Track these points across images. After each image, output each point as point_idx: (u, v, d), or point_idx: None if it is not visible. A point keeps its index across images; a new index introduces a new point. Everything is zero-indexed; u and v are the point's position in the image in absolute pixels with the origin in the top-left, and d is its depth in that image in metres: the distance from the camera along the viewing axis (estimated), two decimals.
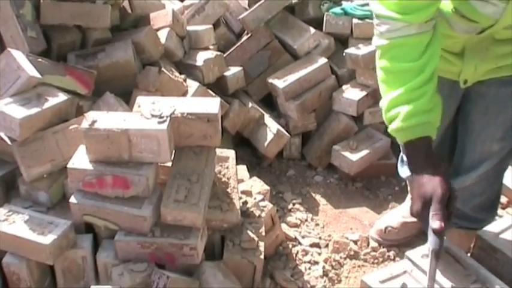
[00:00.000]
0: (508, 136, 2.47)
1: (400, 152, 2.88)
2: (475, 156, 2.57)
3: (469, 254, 2.13)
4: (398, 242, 3.02)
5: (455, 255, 2.06)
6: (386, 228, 3.04)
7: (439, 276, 1.96)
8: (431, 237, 1.86)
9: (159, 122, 2.20)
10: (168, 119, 2.22)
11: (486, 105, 2.43)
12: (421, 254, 2.05)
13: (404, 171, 2.81)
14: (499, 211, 3.24)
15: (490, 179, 2.62)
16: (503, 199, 3.30)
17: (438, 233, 1.84)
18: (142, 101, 2.33)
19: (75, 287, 2.43)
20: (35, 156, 2.44)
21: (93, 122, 2.22)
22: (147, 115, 2.23)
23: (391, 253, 2.97)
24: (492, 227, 2.46)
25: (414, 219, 2.92)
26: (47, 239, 2.27)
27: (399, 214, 3.09)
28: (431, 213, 1.86)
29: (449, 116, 2.55)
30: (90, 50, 2.97)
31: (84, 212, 2.31)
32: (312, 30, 3.60)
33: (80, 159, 2.29)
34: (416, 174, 1.97)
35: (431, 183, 1.90)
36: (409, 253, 2.07)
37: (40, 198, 2.50)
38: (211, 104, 2.33)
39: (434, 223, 1.85)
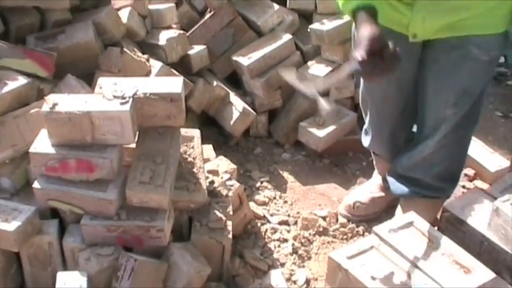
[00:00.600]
0: (461, 102, 2.49)
1: (363, 123, 2.90)
2: (430, 123, 2.60)
3: (436, 228, 2.13)
4: (367, 217, 3.03)
5: (421, 229, 2.06)
6: (354, 203, 3.04)
7: (406, 250, 1.97)
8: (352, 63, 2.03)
9: (122, 103, 2.17)
10: (131, 99, 2.18)
11: (438, 69, 2.46)
12: (389, 229, 2.05)
13: (366, 140, 2.83)
14: (466, 183, 3.27)
15: (448, 148, 2.63)
16: (470, 171, 3.32)
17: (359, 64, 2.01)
18: (104, 82, 2.29)
19: (42, 273, 2.40)
20: None
21: (54, 105, 2.17)
22: (109, 96, 2.20)
23: (360, 229, 2.97)
24: (458, 200, 2.47)
25: (382, 194, 2.97)
26: (11, 225, 2.22)
27: (367, 189, 3.10)
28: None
29: (408, 74, 2.57)
30: (50, 31, 2.90)
31: (48, 197, 2.28)
32: (276, 6, 3.57)
33: (42, 144, 2.25)
34: (358, 31, 2.12)
35: (366, 31, 2.06)
36: (376, 228, 2.07)
37: (3, 184, 2.45)
38: (174, 84, 2.29)
39: (357, 52, 2.02)
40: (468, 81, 2.45)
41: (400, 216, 2.14)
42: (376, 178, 3.10)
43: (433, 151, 2.63)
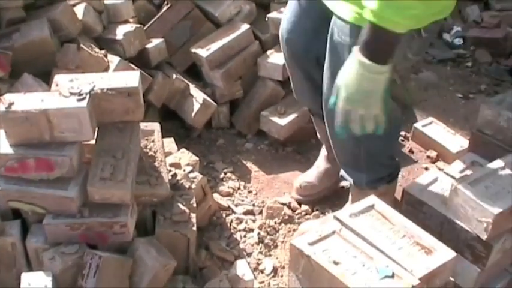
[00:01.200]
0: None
1: None
2: None
3: (397, 211, 2.15)
4: (318, 196, 3.07)
5: (382, 212, 2.08)
6: (301, 184, 3.09)
7: (368, 233, 1.98)
8: None
9: (79, 100, 2.15)
10: (88, 96, 2.16)
11: None
12: (349, 213, 2.06)
13: None
14: (429, 165, 3.31)
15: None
16: (433, 153, 3.36)
17: None
18: (60, 80, 2.26)
19: (7, 275, 2.38)
20: None
21: (10, 104, 2.15)
22: (66, 93, 2.17)
23: (326, 215, 2.99)
24: (418, 182, 2.49)
25: (328, 166, 3.04)
26: None
27: (315, 165, 3.14)
28: None
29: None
30: (4, 30, 2.87)
31: (9, 197, 2.25)
32: None
33: (0, 144, 2.23)
34: None
35: None
36: (337, 213, 2.08)
37: None
38: (131, 78, 2.28)
39: None
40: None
41: (361, 200, 2.15)
42: (322, 150, 3.12)
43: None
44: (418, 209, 2.38)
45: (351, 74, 2.00)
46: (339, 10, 2.27)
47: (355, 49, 1.97)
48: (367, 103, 2.03)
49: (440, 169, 3.12)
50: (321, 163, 3.10)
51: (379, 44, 1.94)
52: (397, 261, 1.91)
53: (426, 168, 3.30)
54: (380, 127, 2.10)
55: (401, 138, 3.51)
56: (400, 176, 2.84)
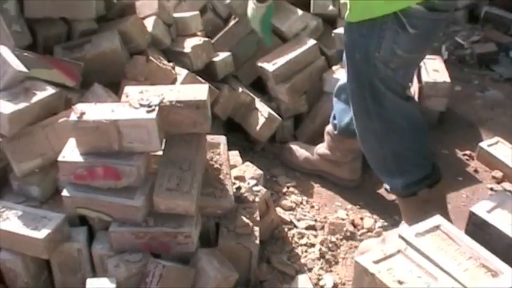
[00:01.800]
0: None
1: None
2: None
3: (463, 231, 2.12)
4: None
5: (448, 233, 2.06)
6: (285, 146, 3.45)
7: (433, 253, 1.96)
8: None
9: (148, 111, 2.19)
10: (157, 107, 2.21)
11: None
12: (415, 232, 2.05)
13: None
14: (494, 186, 3.25)
15: (365, 137, 2.73)
16: (498, 174, 3.30)
17: None
18: (130, 91, 2.31)
19: (72, 279, 2.43)
20: (25, 151, 2.43)
21: (82, 114, 2.21)
22: (136, 105, 2.22)
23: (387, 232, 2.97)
24: (485, 203, 2.45)
25: (312, 157, 3.31)
26: (41, 233, 2.27)
27: (305, 148, 3.39)
28: None
29: None
30: (77, 41, 2.94)
31: (77, 204, 2.31)
32: (299, 12, 3.58)
33: (70, 152, 2.28)
34: None
35: None
36: (402, 232, 2.07)
37: (32, 192, 2.49)
38: (200, 91, 2.31)
39: None
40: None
41: (427, 220, 2.13)
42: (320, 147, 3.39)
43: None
44: (484, 230, 2.34)
45: (249, 7, 2.83)
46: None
47: None
48: (253, 22, 2.90)
49: (506, 190, 3.06)
50: (311, 150, 3.35)
51: None
52: (462, 283, 1.89)
53: (491, 189, 3.25)
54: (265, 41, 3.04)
55: (466, 157, 3.47)
56: (463, 195, 2.80)
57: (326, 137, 3.23)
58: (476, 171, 3.43)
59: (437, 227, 2.08)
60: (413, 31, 2.33)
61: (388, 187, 2.83)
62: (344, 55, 2.65)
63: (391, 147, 2.64)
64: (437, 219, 2.12)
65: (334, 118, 3.11)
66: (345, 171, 3.28)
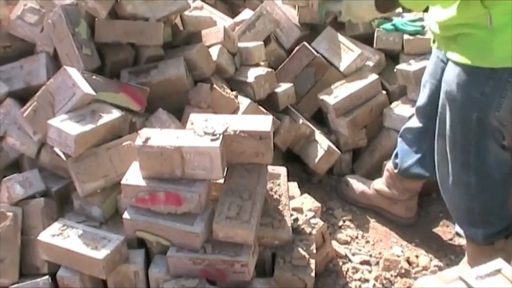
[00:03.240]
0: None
1: None
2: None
3: None
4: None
5: (509, 277, 2.02)
6: (343, 179, 3.43)
7: None
8: None
9: (212, 140, 2.22)
10: (221, 136, 2.24)
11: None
12: (476, 275, 2.02)
13: None
14: None
15: (455, 187, 2.65)
16: None
17: None
18: (195, 118, 2.35)
19: None
20: (89, 172, 2.48)
21: (147, 139, 2.25)
22: (200, 132, 2.26)
23: (442, 270, 2.93)
24: None
25: (368, 191, 3.29)
26: (101, 253, 2.31)
27: (362, 182, 3.37)
28: None
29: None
30: (143, 66, 3.00)
31: (136, 227, 2.34)
32: (358, 51, 3.58)
33: (134, 176, 2.33)
34: None
35: None
36: (463, 274, 2.04)
37: (93, 213, 2.54)
38: (264, 122, 2.34)
39: None
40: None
41: (488, 263, 2.10)
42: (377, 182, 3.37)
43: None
44: None
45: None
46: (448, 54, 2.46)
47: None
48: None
49: None
50: (367, 184, 3.34)
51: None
52: None
53: None
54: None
55: None
56: None
57: (385, 173, 3.22)
58: None
59: (498, 271, 2.05)
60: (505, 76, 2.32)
61: (461, 232, 2.78)
62: (442, 103, 2.55)
63: (481, 200, 2.59)
64: (498, 262, 2.08)
65: (396, 157, 3.10)
66: (401, 208, 3.25)
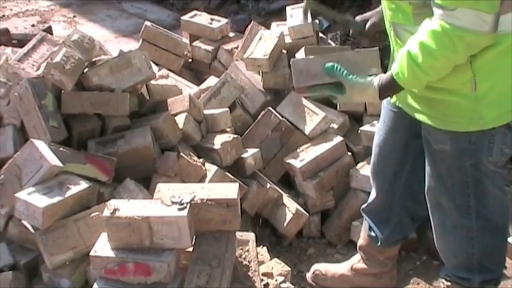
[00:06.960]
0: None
1: None
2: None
3: None
4: None
5: None
6: (314, 271, 3.21)
7: None
8: None
9: (180, 209, 2.23)
10: (188, 205, 2.25)
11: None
12: None
13: None
14: None
15: (455, 232, 2.63)
16: None
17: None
18: (162, 188, 2.37)
19: None
20: (57, 244, 2.48)
21: (115, 210, 2.25)
22: (168, 202, 2.27)
23: None
24: None
25: (347, 274, 3.16)
26: None
27: (335, 265, 3.23)
28: None
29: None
30: (110, 136, 3.03)
31: None
32: (322, 114, 3.61)
33: (102, 247, 2.32)
34: None
35: None
36: None
37: (63, 285, 2.53)
38: (230, 189, 2.36)
39: None
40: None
41: None
42: (353, 258, 3.23)
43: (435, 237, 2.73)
44: None
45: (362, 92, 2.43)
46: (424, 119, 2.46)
47: (376, 82, 2.39)
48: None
49: None
50: (344, 267, 3.19)
51: (390, 91, 2.42)
52: None
53: None
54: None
55: None
56: None
57: (361, 253, 3.16)
58: None
59: None
60: None
61: (449, 275, 2.76)
62: (431, 158, 2.57)
63: (481, 245, 2.59)
64: None
65: (371, 231, 3.04)
66: (386, 280, 3.20)
